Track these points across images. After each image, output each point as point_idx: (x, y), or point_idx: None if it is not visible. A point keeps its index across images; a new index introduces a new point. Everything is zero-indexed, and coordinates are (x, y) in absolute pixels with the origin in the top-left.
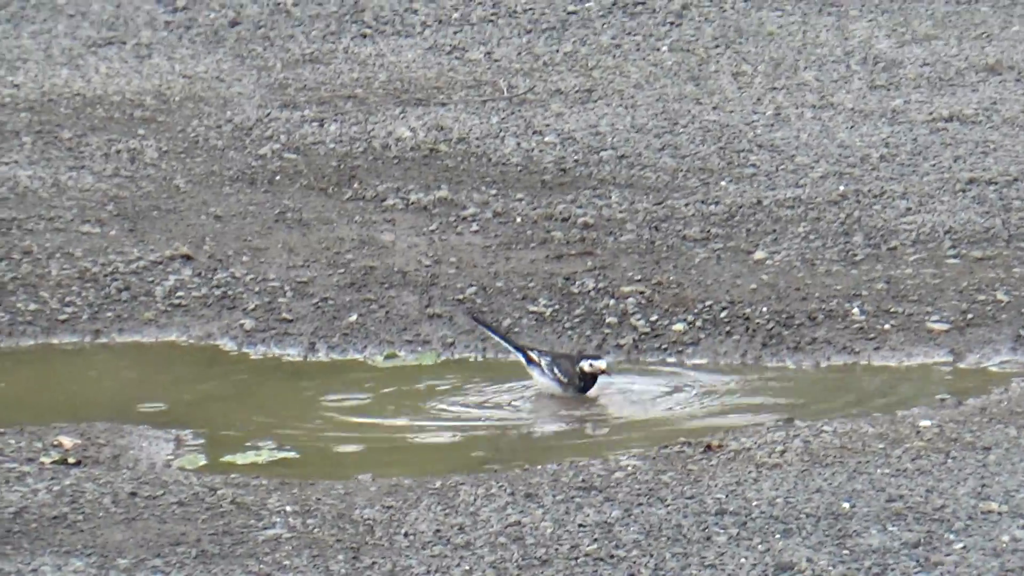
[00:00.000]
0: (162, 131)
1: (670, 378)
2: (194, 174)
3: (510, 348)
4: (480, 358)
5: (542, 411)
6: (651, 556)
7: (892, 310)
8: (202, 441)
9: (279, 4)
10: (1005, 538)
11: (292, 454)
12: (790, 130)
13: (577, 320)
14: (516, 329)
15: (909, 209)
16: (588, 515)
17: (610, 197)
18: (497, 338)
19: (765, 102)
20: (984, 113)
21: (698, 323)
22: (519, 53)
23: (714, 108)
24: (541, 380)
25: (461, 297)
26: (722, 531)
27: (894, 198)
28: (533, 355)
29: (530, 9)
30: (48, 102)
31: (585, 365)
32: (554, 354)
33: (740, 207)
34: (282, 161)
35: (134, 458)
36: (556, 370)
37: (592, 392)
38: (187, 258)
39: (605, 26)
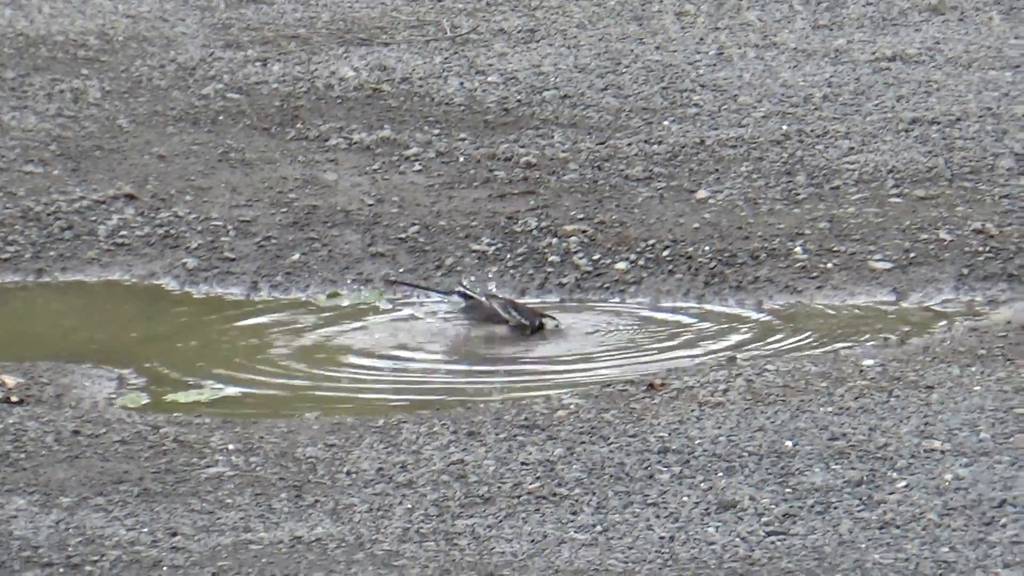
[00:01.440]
0: (105, 71)
1: (612, 316)
2: (137, 114)
3: (441, 294)
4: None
5: (481, 349)
6: (593, 494)
7: (835, 249)
8: (145, 380)
9: None
10: (948, 476)
11: (234, 391)
12: (733, 70)
13: (520, 259)
14: (459, 268)
15: (852, 149)
16: (531, 453)
17: (553, 137)
18: (425, 290)
19: (708, 42)
20: (927, 53)
21: (640, 262)
22: None
23: (657, 48)
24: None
25: (404, 236)
26: (665, 469)
27: (837, 138)
28: (474, 294)
29: None
30: None
31: (548, 322)
32: (490, 295)
33: (683, 147)
34: (225, 101)
35: (77, 397)
36: (512, 311)
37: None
38: (130, 197)
39: None
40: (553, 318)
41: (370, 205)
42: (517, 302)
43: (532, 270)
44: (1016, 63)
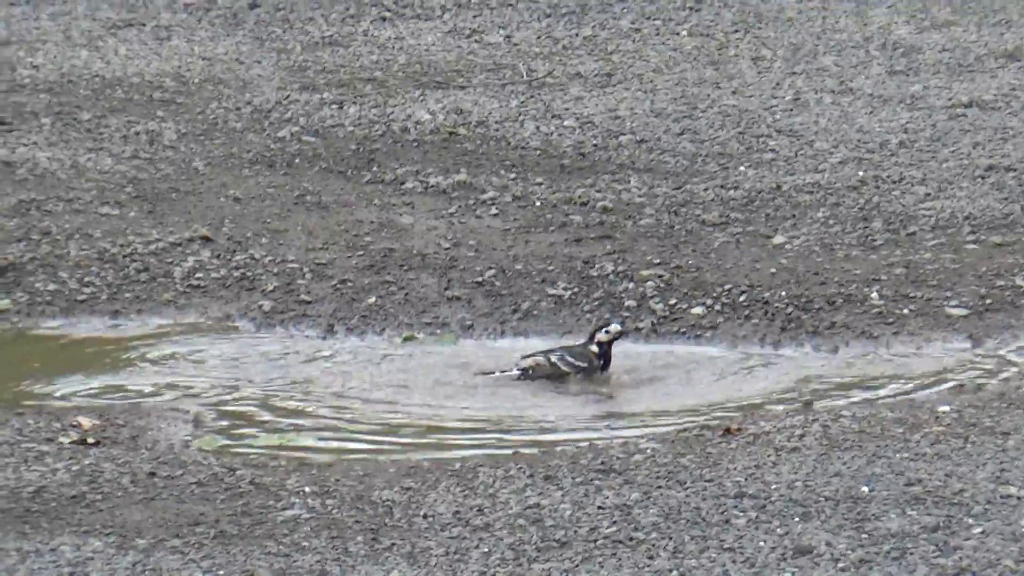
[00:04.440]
0: (181, 113)
1: (689, 362)
2: (213, 156)
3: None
4: (498, 341)
5: (561, 394)
6: (670, 539)
7: (911, 295)
8: (221, 422)
9: None
10: None
11: (311, 435)
12: (809, 115)
13: (596, 303)
14: (535, 312)
15: (928, 195)
16: (607, 497)
17: (629, 181)
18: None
19: (784, 87)
20: (1003, 99)
21: (717, 307)
22: (539, 37)
23: (733, 93)
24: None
25: (480, 280)
26: (741, 514)
27: (913, 184)
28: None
29: None
30: (68, 84)
31: (601, 335)
32: (560, 348)
33: (759, 192)
34: (301, 144)
35: (152, 439)
36: (568, 357)
37: (611, 369)
38: (206, 240)
39: (624, 10)
40: (608, 322)
41: (446, 249)
42: (570, 346)
43: (608, 314)
44: None
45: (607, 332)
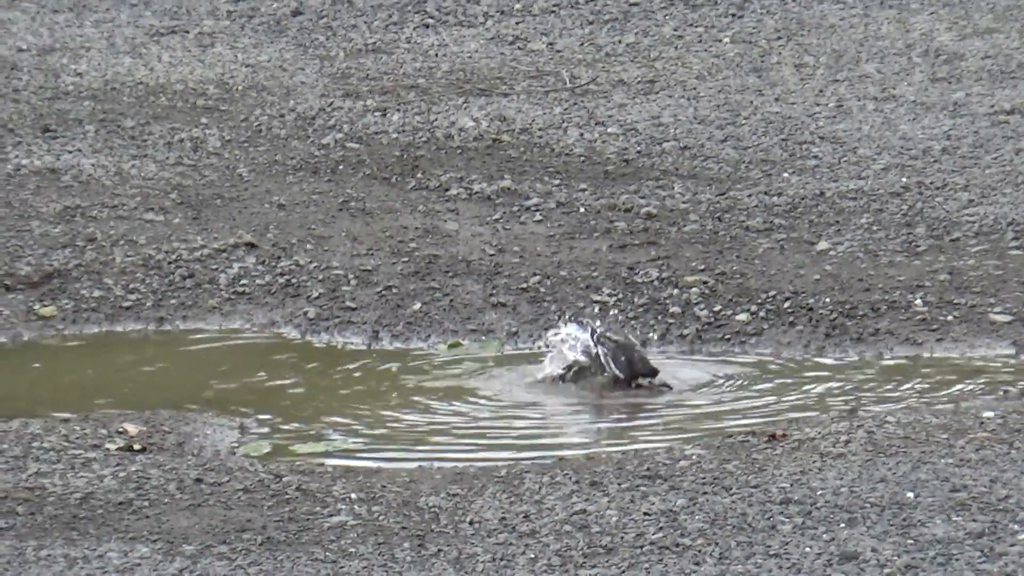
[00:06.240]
0: (225, 120)
1: (734, 368)
2: (257, 163)
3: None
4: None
5: (605, 399)
6: (716, 545)
7: (955, 301)
8: (267, 429)
9: None
10: None
11: (357, 442)
12: (852, 122)
13: (641, 309)
14: (580, 319)
15: (971, 201)
16: (653, 503)
17: (673, 188)
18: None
19: (827, 94)
20: None
21: (761, 313)
22: (581, 44)
23: (776, 100)
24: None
25: (525, 286)
26: (787, 520)
27: (956, 190)
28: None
29: (592, 0)
30: (111, 91)
31: (643, 382)
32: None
33: (803, 198)
34: (345, 150)
35: (199, 445)
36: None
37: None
38: (251, 246)
39: (667, 17)
40: (664, 385)
41: (491, 255)
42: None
43: (653, 321)
44: None
45: (650, 383)
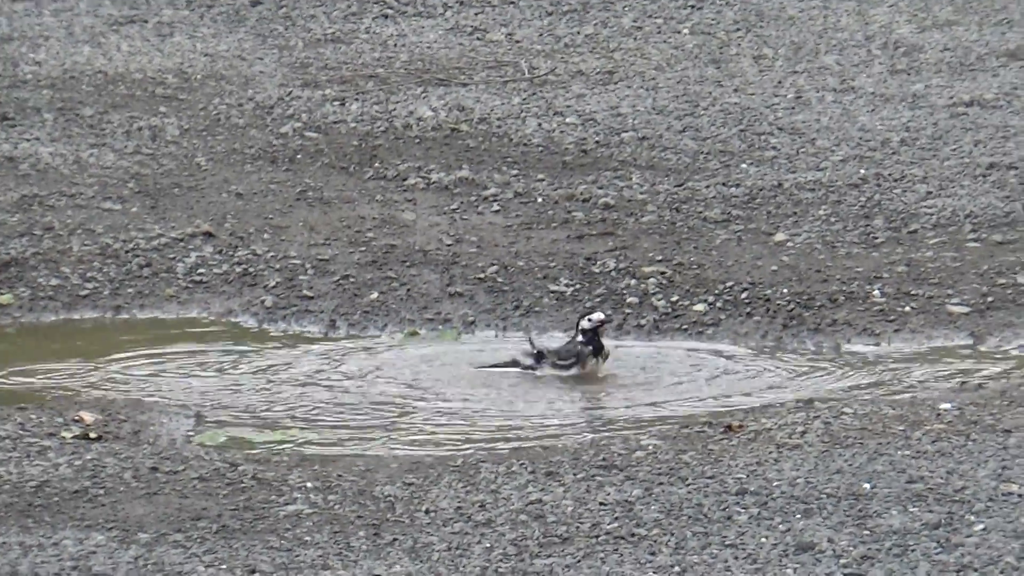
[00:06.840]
0: (183, 109)
1: (689, 358)
2: (215, 152)
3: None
4: (498, 335)
5: (563, 389)
6: (672, 535)
7: (912, 293)
8: (223, 417)
9: None
10: None
11: (312, 431)
12: (811, 113)
13: (598, 300)
14: (537, 309)
15: (930, 193)
16: (609, 494)
17: (631, 178)
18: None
19: (786, 85)
20: (1004, 98)
21: (719, 304)
22: (540, 35)
23: (735, 91)
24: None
25: (482, 276)
26: (743, 511)
27: (914, 182)
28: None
29: None
30: (70, 79)
31: (584, 323)
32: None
33: (761, 189)
34: (303, 140)
35: (155, 434)
36: (557, 360)
37: (607, 364)
38: (208, 235)
39: (626, 8)
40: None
41: (448, 245)
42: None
43: (610, 311)
44: None
45: (589, 320)
